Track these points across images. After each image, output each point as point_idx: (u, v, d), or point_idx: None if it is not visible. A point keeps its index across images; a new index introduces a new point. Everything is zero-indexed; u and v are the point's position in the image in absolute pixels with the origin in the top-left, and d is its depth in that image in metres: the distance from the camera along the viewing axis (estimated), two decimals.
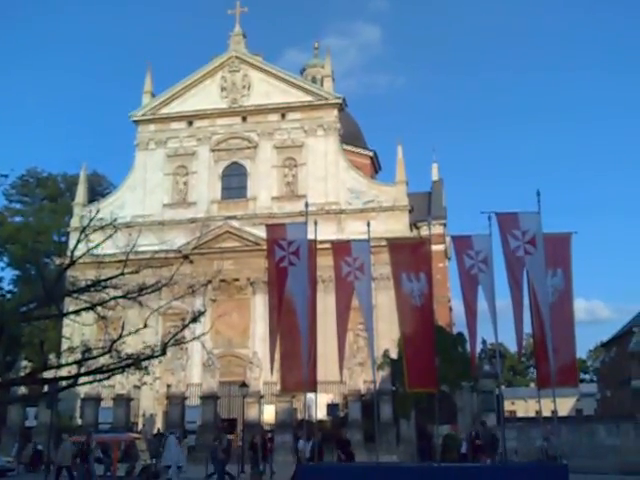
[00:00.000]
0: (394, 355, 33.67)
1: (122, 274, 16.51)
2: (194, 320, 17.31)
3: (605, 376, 58.59)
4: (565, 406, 73.62)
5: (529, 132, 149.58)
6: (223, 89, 50.31)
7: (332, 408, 36.75)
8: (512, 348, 77.36)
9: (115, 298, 16.54)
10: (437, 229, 52.39)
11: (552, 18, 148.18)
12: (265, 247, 17.95)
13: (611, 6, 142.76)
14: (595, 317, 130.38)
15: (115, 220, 18.37)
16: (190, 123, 50.49)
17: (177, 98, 51.04)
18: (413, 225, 48.09)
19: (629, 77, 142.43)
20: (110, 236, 17.06)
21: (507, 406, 71.01)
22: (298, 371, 15.70)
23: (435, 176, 62.64)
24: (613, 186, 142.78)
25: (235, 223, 46.82)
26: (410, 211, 46.77)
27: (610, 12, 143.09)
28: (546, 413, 21.49)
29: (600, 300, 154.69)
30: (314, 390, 16.19)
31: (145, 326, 16.97)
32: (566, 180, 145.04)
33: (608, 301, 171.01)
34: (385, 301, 36.96)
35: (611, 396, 54.65)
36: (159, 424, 39.90)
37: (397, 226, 44.45)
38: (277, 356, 16.14)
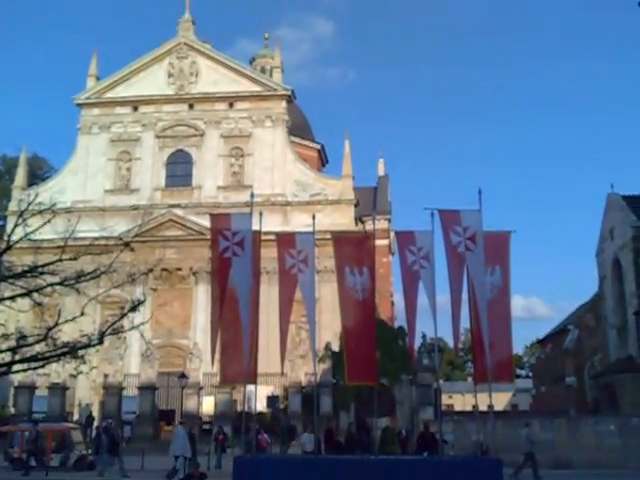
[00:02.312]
0: (336, 348, 33.80)
1: (60, 260, 16.12)
2: (133, 309, 17.00)
3: (540, 372, 60.03)
4: (501, 401, 75.22)
5: (474, 131, 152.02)
6: (170, 75, 49.64)
7: (272, 400, 36.72)
8: (452, 343, 78.64)
9: (52, 285, 16.15)
10: (382, 224, 52.73)
11: (504, 15, 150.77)
12: (209, 237, 17.73)
13: (558, 10, 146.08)
14: (533, 314, 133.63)
15: (54, 205, 17.96)
16: (135, 108, 49.71)
17: (123, 83, 50.14)
18: (358, 219, 48.37)
19: (568, 77, 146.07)
20: (49, 221, 16.66)
21: (445, 400, 72.15)
22: (239, 363, 15.56)
23: (381, 171, 63.07)
24: (552, 187, 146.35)
25: (179, 212, 46.32)
26: (356, 205, 47.05)
27: (556, 18, 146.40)
28: (483, 407, 21.86)
29: (538, 297, 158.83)
30: (254, 382, 16.10)
31: (82, 314, 16.56)
32: (507, 179, 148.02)
33: (546, 299, 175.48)
34: (329, 294, 37.02)
35: (546, 392, 56.07)
36: (95, 414, 39.20)
37: (342, 220, 44.65)
38: (218, 347, 15.99)
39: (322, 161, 64.12)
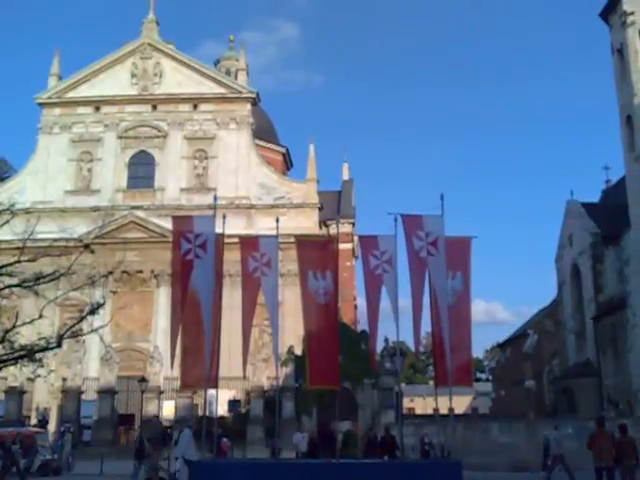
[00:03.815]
0: (299, 352, 33.78)
1: (18, 261, 15.89)
2: (92, 312, 16.82)
3: (500, 376, 60.80)
4: (462, 404, 75.83)
5: (437, 138, 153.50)
6: (134, 76, 49.16)
7: (233, 404, 36.53)
8: (414, 346, 79.21)
9: (10, 287, 15.89)
10: (346, 228, 52.88)
11: (474, 25, 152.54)
12: (171, 239, 17.56)
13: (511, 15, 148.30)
14: (494, 318, 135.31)
15: (13, 205, 17.69)
16: (97, 108, 49.11)
17: (85, 82, 49.49)
18: (322, 223, 48.42)
19: (530, 90, 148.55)
20: (7, 222, 16.41)
21: (406, 403, 72.51)
22: (200, 367, 15.42)
23: (346, 176, 63.26)
24: (513, 193, 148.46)
25: (141, 213, 45.85)
26: (320, 209, 47.09)
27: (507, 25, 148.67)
28: (444, 411, 22.03)
29: (499, 302, 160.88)
30: (216, 386, 15.98)
31: (40, 316, 16.32)
32: (470, 185, 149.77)
33: (507, 304, 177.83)
34: (292, 298, 36.92)
35: (505, 395, 56.76)
36: (53, 418, 38.55)
37: (307, 223, 44.66)
38: (179, 351, 15.84)
39: (287, 165, 64.09)
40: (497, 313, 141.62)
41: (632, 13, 35.19)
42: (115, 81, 49.18)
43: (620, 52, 36.44)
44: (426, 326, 16.38)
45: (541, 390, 47.39)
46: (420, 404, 79.37)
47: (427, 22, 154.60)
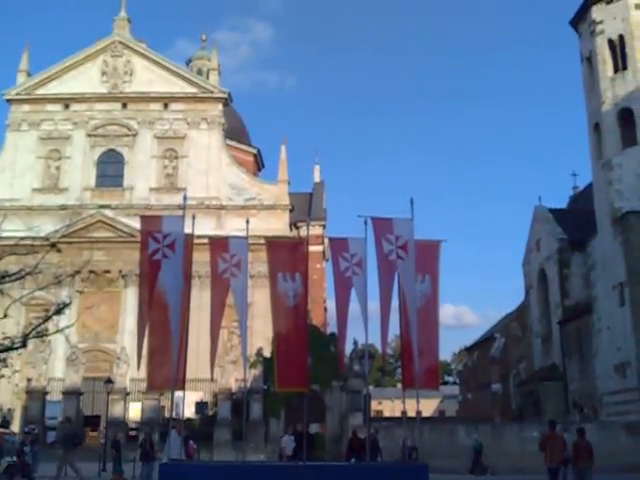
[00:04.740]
0: (268, 354, 33.69)
1: None
2: (58, 312, 16.57)
3: (467, 379, 61.23)
4: (429, 407, 76.38)
5: (408, 142, 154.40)
6: (104, 73, 48.68)
7: (201, 406, 36.26)
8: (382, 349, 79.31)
9: None
10: (316, 230, 52.89)
11: (443, 27, 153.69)
12: (140, 239, 17.34)
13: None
14: (462, 322, 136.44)
15: None
16: (67, 106, 48.52)
17: (55, 79, 48.88)
18: (293, 225, 48.40)
19: (502, 96, 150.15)
20: None
21: (374, 406, 72.75)
22: (167, 368, 15.25)
23: (317, 178, 63.30)
24: (483, 198, 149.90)
25: (109, 213, 45.41)
26: (291, 211, 47.05)
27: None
28: (411, 413, 22.12)
29: (467, 306, 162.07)
30: (183, 388, 15.82)
31: (5, 316, 16.04)
32: (439, 190, 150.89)
33: (475, 307, 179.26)
34: (262, 299, 36.80)
35: (472, 398, 57.21)
36: (17, 419, 37.93)
37: (277, 225, 44.58)
38: (145, 352, 15.65)
39: (258, 166, 63.87)
40: (465, 317, 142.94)
41: (601, 22, 35.74)
42: (85, 78, 48.66)
43: (589, 60, 36.98)
44: (395, 329, 16.43)
45: (507, 393, 47.84)
46: (388, 407, 79.79)
47: (400, 26, 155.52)
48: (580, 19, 37.59)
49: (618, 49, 35.16)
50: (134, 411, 36.66)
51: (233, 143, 55.19)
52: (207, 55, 60.11)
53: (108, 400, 32.03)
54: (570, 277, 39.34)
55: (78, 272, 36.77)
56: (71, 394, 36.54)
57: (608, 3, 35.67)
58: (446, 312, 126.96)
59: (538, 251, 43.01)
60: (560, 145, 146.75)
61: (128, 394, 36.93)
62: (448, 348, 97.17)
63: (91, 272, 43.07)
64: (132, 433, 35.62)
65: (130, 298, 42.55)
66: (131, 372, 36.75)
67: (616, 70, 35.16)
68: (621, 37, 35.01)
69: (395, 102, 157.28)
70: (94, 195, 46.81)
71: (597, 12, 36.05)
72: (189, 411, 33.92)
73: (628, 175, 33.53)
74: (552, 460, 16.26)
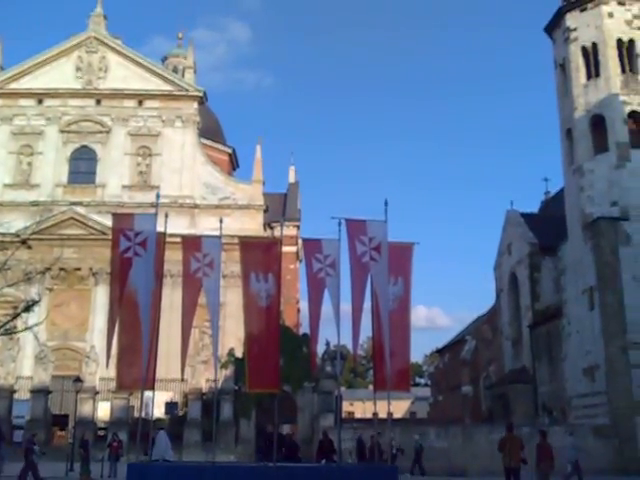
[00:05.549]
0: (240, 354, 33.53)
1: None
2: (27, 309, 16.38)
3: (438, 381, 61.53)
4: (400, 408, 76.54)
5: (383, 144, 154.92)
6: (78, 69, 48.20)
7: (170, 406, 36.00)
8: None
9: None
10: (291, 231, 52.90)
11: (418, 38, 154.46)
12: (111, 237, 17.20)
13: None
14: (434, 324, 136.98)
15: None
16: (40, 101, 47.93)
17: (28, 74, 48.27)
18: (267, 225, 48.30)
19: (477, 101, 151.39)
20: None
21: (346, 407, 72.79)
22: (137, 368, 15.14)
23: (292, 178, 63.28)
24: (456, 201, 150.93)
25: (81, 210, 44.92)
26: (265, 211, 46.93)
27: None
28: (383, 415, 22.16)
29: (440, 308, 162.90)
30: (152, 388, 15.70)
31: None
32: (413, 192, 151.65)
33: (447, 309, 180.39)
34: (235, 299, 36.62)
35: (443, 400, 57.50)
36: None
37: (251, 225, 44.46)
38: (115, 351, 15.50)
39: (233, 165, 63.68)
40: (438, 318, 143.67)
41: (575, 29, 36.12)
42: (59, 74, 48.11)
43: (562, 67, 37.35)
44: (368, 331, 16.46)
45: (478, 395, 48.15)
46: (360, 408, 79.76)
47: (378, 27, 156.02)
48: (554, 26, 37.96)
49: (591, 56, 35.55)
50: (103, 410, 36.31)
51: (208, 142, 54.96)
52: (183, 53, 59.75)
53: (77, 399, 31.69)
54: (540, 281, 39.69)
55: (48, 269, 36.48)
56: (39, 393, 36.11)
57: (582, 11, 36.07)
58: (418, 314, 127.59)
59: (509, 255, 43.35)
60: (532, 150, 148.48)
61: (97, 393, 36.60)
62: (420, 350, 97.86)
63: (61, 269, 42.64)
64: (101, 433, 35.29)
65: (100, 296, 42.12)
66: (101, 371, 36.40)
67: (589, 77, 35.56)
68: (594, 45, 35.41)
69: (372, 105, 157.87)
70: (66, 192, 46.28)
71: (571, 20, 36.44)
72: (159, 411, 33.66)
73: (599, 181, 33.92)
74: (510, 460, 16.77)
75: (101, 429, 35.67)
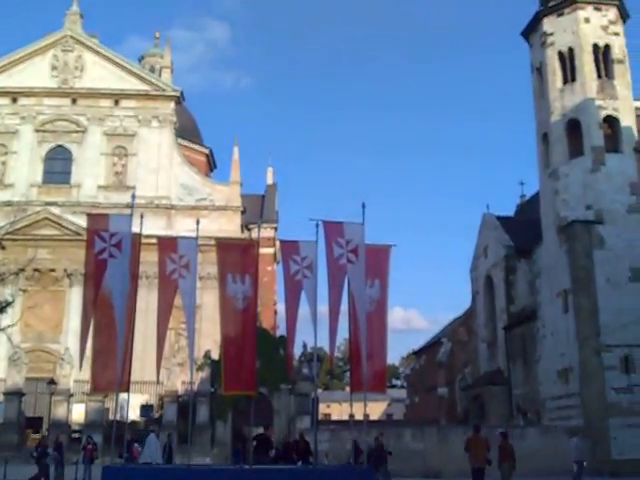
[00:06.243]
0: (216, 356, 33.38)
1: None
2: (0, 310, 16.12)
3: (414, 383, 61.78)
4: (377, 410, 76.74)
5: (362, 147, 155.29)
6: (54, 68, 47.73)
7: (146, 409, 35.72)
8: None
9: None
10: (268, 232, 52.69)
11: (395, 41, 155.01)
12: (86, 238, 17.02)
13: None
14: (411, 326, 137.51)
15: None
16: (14, 100, 47.40)
17: (3, 72, 47.81)
18: (245, 227, 48.13)
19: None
20: None
21: (323, 409, 72.86)
22: (112, 370, 14.99)
23: (270, 180, 63.09)
24: (434, 204, 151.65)
25: (55, 210, 44.43)
26: (243, 212, 46.79)
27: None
28: (360, 417, 22.19)
29: (417, 310, 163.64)
30: (127, 390, 15.56)
31: None
32: (390, 194, 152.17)
33: (424, 312, 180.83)
34: (211, 301, 36.55)
35: (419, 402, 57.75)
36: None
37: (229, 226, 44.32)
38: (90, 353, 15.34)
39: (210, 166, 63.36)
40: (414, 320, 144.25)
41: (552, 34, 36.45)
42: (34, 73, 47.61)
43: (539, 71, 37.67)
44: (345, 333, 16.46)
45: (453, 397, 48.41)
46: (336, 410, 79.82)
47: (357, 29, 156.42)
48: (532, 30, 38.29)
49: (568, 61, 35.89)
50: (77, 413, 35.96)
51: (185, 142, 54.67)
52: (160, 53, 59.40)
53: (51, 401, 31.40)
54: (516, 283, 39.97)
55: (22, 270, 36.11)
56: (13, 395, 35.65)
57: (559, 16, 36.42)
58: (395, 316, 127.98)
59: (485, 257, 43.63)
60: (509, 154, 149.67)
61: (72, 395, 36.23)
62: (397, 352, 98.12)
63: (35, 270, 42.18)
64: (75, 435, 34.92)
65: (75, 298, 41.69)
66: (75, 373, 36.03)
67: (565, 81, 35.90)
68: (571, 49, 35.76)
69: (351, 107, 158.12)
70: (40, 192, 45.79)
71: (548, 24, 36.78)
72: (134, 414, 33.38)
73: (574, 185, 34.25)
74: (476, 460, 17.32)
75: (75, 432, 35.29)
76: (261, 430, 31.05)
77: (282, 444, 24.70)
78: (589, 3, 36.01)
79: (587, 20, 35.80)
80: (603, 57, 35.53)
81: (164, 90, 48.15)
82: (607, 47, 35.59)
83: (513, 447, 18.44)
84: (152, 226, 25.35)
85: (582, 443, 24.03)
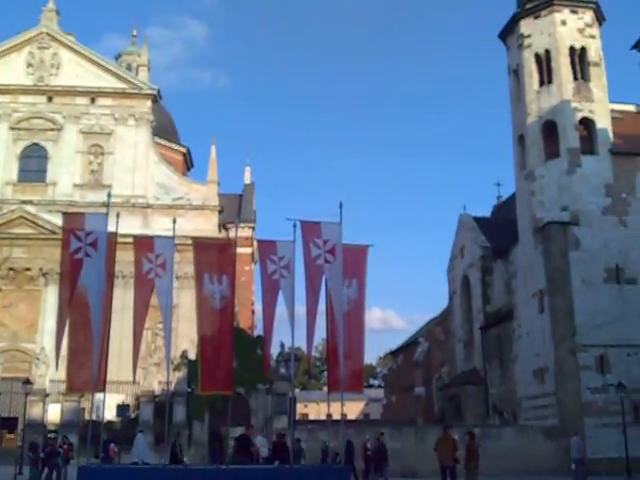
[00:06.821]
0: (193, 356, 33.22)
1: None
2: None
3: (392, 382, 62.02)
4: (354, 410, 76.94)
5: (339, 146, 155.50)
6: (30, 65, 47.19)
7: (122, 409, 35.47)
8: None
9: None
10: (246, 232, 52.54)
11: (374, 42, 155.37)
12: (62, 237, 16.87)
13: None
14: (389, 326, 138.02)
15: None
16: None
17: None
18: (222, 226, 47.98)
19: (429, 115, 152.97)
20: None
21: (300, 409, 72.87)
22: (87, 370, 14.86)
23: (247, 179, 62.89)
24: (411, 204, 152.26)
25: (31, 208, 43.96)
26: (220, 212, 46.63)
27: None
28: (337, 416, 22.23)
29: (394, 310, 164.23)
30: (103, 390, 15.44)
31: None
32: (368, 194, 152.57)
33: (401, 312, 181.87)
34: (188, 301, 36.31)
35: (396, 401, 57.98)
36: None
37: (206, 226, 44.13)
38: (65, 353, 15.21)
39: (187, 165, 63.08)
40: (392, 320, 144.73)
41: (529, 36, 36.78)
42: (9, 70, 47.04)
43: (516, 73, 37.99)
44: (322, 332, 16.48)
45: (430, 397, 48.69)
46: (314, 410, 79.94)
47: (336, 29, 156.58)
48: (509, 32, 38.60)
49: (544, 63, 36.24)
50: (53, 413, 35.61)
51: (162, 141, 54.40)
52: (137, 51, 58.93)
53: (26, 401, 31.03)
54: (492, 284, 40.31)
55: None
56: None
57: (536, 18, 36.76)
58: (373, 316, 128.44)
59: (462, 258, 43.92)
60: (485, 155, 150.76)
61: (47, 395, 35.90)
62: (374, 351, 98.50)
63: (10, 269, 41.85)
64: (51, 435, 34.59)
65: (51, 297, 41.29)
66: (51, 373, 35.74)
67: (542, 83, 36.23)
68: (547, 52, 36.10)
69: (328, 105, 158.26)
70: (16, 190, 45.27)
71: (525, 26, 37.10)
72: (110, 414, 33.11)
73: (550, 186, 34.59)
74: (444, 459, 18.04)
75: (51, 432, 34.94)
76: (240, 430, 31.00)
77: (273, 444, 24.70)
78: (566, 6, 36.41)
79: (564, 22, 36.17)
80: (579, 59, 35.93)
81: (141, 88, 47.83)
82: (583, 50, 35.99)
83: (478, 447, 18.94)
84: (128, 225, 25.21)
85: (582, 442, 24.31)
